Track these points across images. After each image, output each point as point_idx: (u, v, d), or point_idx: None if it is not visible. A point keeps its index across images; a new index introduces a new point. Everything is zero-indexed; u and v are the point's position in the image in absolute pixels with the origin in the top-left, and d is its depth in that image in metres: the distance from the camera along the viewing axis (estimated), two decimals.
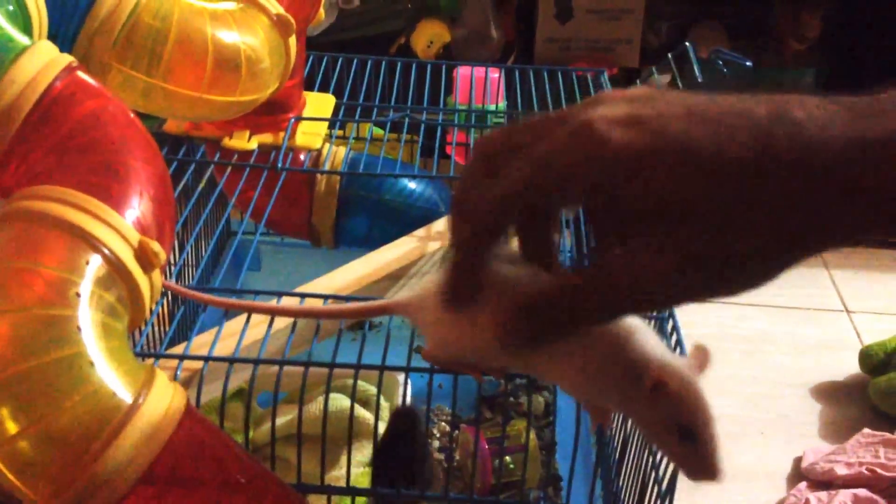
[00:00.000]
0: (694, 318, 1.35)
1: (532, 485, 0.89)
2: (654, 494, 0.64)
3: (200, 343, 0.66)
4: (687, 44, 0.72)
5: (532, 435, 0.90)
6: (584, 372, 0.49)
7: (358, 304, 0.66)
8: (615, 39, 1.87)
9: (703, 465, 0.45)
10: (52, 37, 0.65)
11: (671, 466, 0.60)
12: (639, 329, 0.48)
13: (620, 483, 0.75)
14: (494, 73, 1.10)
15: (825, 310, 1.60)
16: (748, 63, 0.64)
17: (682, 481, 0.60)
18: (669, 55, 0.74)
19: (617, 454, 0.79)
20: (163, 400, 0.50)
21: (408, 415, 0.72)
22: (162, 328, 0.84)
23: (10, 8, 0.59)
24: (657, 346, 0.48)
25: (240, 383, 0.78)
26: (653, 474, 0.64)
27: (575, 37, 1.88)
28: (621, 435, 0.75)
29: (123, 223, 0.53)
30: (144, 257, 0.53)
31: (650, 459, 0.64)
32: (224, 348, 0.66)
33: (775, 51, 1.91)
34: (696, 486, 0.48)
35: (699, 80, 0.64)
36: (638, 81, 0.84)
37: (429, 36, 1.89)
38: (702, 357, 0.48)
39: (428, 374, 0.65)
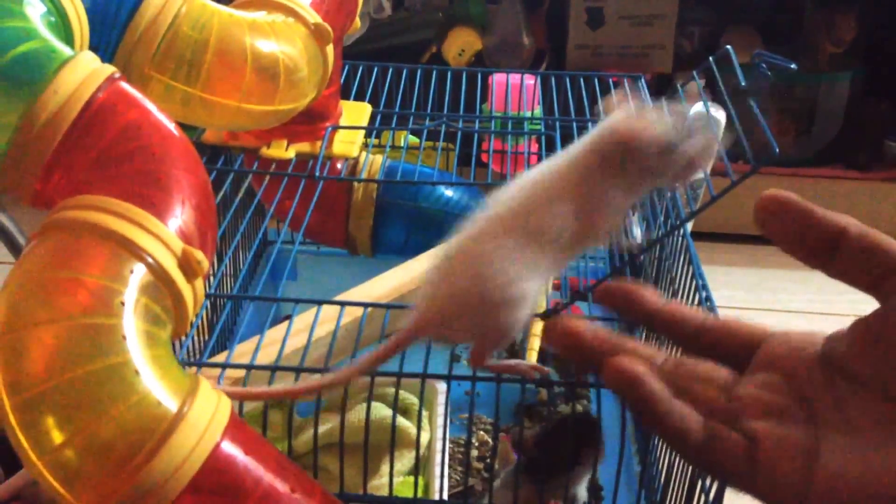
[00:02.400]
0: None
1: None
2: None
3: (242, 352, 0.66)
4: (728, 47, 0.71)
5: None
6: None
7: (380, 349, 0.59)
8: (648, 45, 1.86)
9: None
10: (93, 48, 0.65)
11: None
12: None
13: (665, 492, 0.74)
14: (530, 80, 1.10)
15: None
16: (793, 65, 0.63)
17: (731, 489, 0.59)
18: (711, 58, 0.73)
19: (661, 463, 0.78)
20: (208, 409, 0.49)
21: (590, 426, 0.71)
22: (202, 338, 0.84)
23: (53, 19, 0.60)
24: None
25: None
26: (699, 483, 0.63)
27: (606, 43, 1.87)
28: (665, 444, 0.74)
29: (167, 232, 0.53)
30: (188, 266, 0.53)
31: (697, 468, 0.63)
32: (265, 357, 0.66)
33: (810, 54, 1.89)
34: (745, 496, 0.47)
35: (742, 84, 0.63)
36: (679, 86, 0.83)
37: (460, 44, 1.89)
38: None
39: (468, 383, 0.64)
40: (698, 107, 1.00)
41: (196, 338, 0.81)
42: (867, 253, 0.37)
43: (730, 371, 0.41)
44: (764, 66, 0.63)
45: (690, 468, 0.65)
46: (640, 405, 0.39)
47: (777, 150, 0.59)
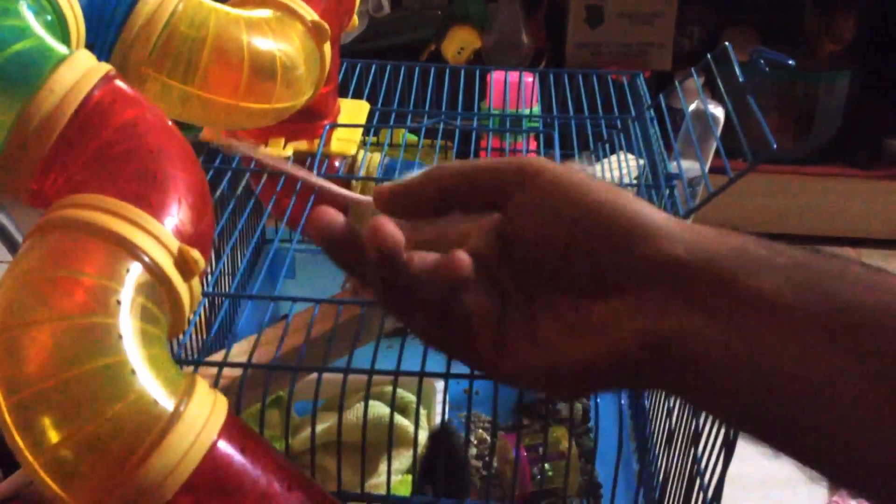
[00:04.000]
0: None
1: (572, 492, 0.88)
2: (700, 502, 0.63)
3: (240, 351, 0.66)
4: (727, 44, 0.71)
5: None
6: None
7: None
8: (647, 43, 1.86)
9: None
10: (90, 46, 0.65)
11: (717, 473, 0.59)
12: None
13: (664, 490, 0.74)
14: (528, 78, 1.10)
15: None
16: (791, 62, 0.63)
17: (729, 486, 0.59)
18: (709, 56, 0.73)
19: (660, 461, 0.78)
20: (204, 408, 0.49)
21: (445, 432, 0.72)
22: (199, 337, 0.84)
23: (49, 18, 0.59)
24: None
25: (277, 391, 0.77)
26: (698, 481, 0.63)
27: (606, 41, 1.87)
28: (664, 441, 0.74)
29: (163, 231, 0.53)
30: (184, 265, 0.53)
31: (695, 466, 0.63)
32: (262, 356, 0.66)
33: (809, 53, 1.89)
34: (743, 493, 0.47)
35: (741, 80, 0.63)
36: (677, 84, 0.84)
37: (459, 43, 1.89)
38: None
39: (466, 381, 0.64)
40: (697, 104, 1.00)
41: (193, 336, 0.81)
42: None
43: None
44: (762, 62, 0.63)
45: (689, 465, 0.65)
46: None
47: (774, 146, 0.60)
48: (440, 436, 0.73)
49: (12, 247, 1.09)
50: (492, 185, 0.41)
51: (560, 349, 0.40)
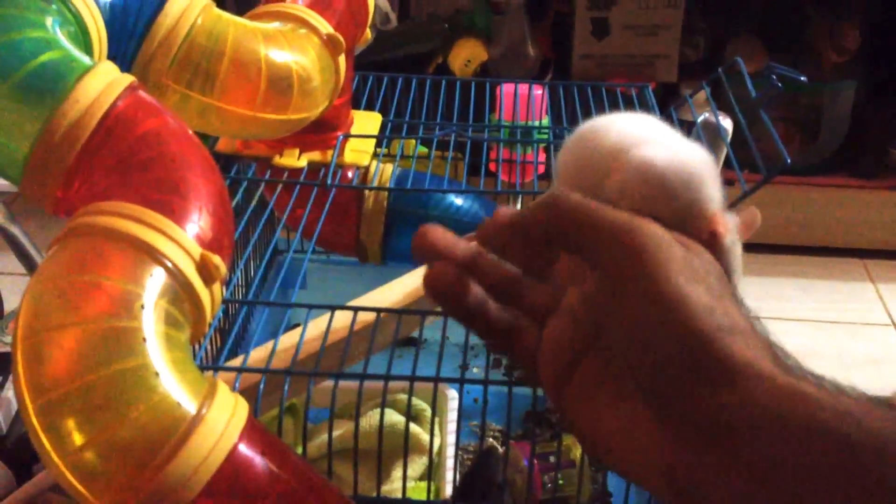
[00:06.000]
0: None
1: (584, 500, 0.88)
2: None
3: (256, 357, 0.67)
4: (739, 59, 0.72)
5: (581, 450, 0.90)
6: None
7: None
8: (652, 55, 1.87)
9: None
10: (111, 58, 0.66)
11: None
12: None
13: None
14: (538, 90, 1.11)
15: (871, 324, 1.58)
16: (803, 77, 0.64)
17: None
18: (720, 69, 0.75)
19: None
20: (226, 411, 0.50)
21: (490, 456, 0.73)
22: (214, 346, 0.85)
23: (72, 29, 0.61)
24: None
25: (292, 398, 0.78)
26: None
27: (611, 53, 1.88)
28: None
29: (185, 237, 0.54)
30: (206, 270, 0.54)
31: None
32: (279, 362, 0.67)
33: (814, 64, 1.90)
34: None
35: (753, 95, 0.64)
36: (687, 96, 0.84)
37: (466, 55, 1.89)
38: (751, 217, 0.49)
39: (475, 390, 0.65)
40: (706, 115, 1.01)
41: (209, 348, 0.82)
42: None
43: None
44: (775, 77, 0.64)
45: None
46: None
47: (788, 160, 0.60)
48: (484, 459, 0.73)
49: (26, 259, 1.10)
50: (592, 253, 0.38)
51: (615, 443, 0.38)
